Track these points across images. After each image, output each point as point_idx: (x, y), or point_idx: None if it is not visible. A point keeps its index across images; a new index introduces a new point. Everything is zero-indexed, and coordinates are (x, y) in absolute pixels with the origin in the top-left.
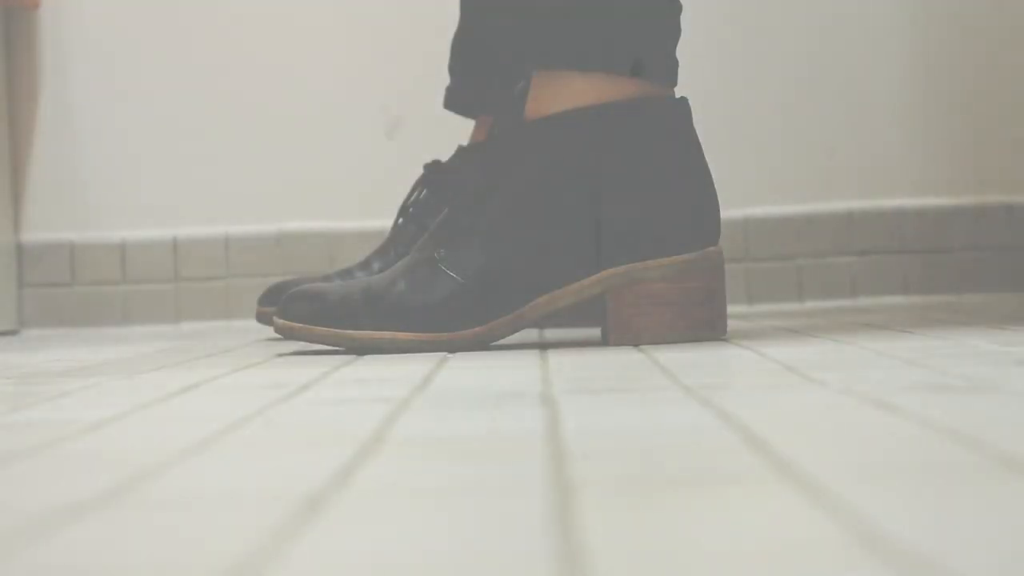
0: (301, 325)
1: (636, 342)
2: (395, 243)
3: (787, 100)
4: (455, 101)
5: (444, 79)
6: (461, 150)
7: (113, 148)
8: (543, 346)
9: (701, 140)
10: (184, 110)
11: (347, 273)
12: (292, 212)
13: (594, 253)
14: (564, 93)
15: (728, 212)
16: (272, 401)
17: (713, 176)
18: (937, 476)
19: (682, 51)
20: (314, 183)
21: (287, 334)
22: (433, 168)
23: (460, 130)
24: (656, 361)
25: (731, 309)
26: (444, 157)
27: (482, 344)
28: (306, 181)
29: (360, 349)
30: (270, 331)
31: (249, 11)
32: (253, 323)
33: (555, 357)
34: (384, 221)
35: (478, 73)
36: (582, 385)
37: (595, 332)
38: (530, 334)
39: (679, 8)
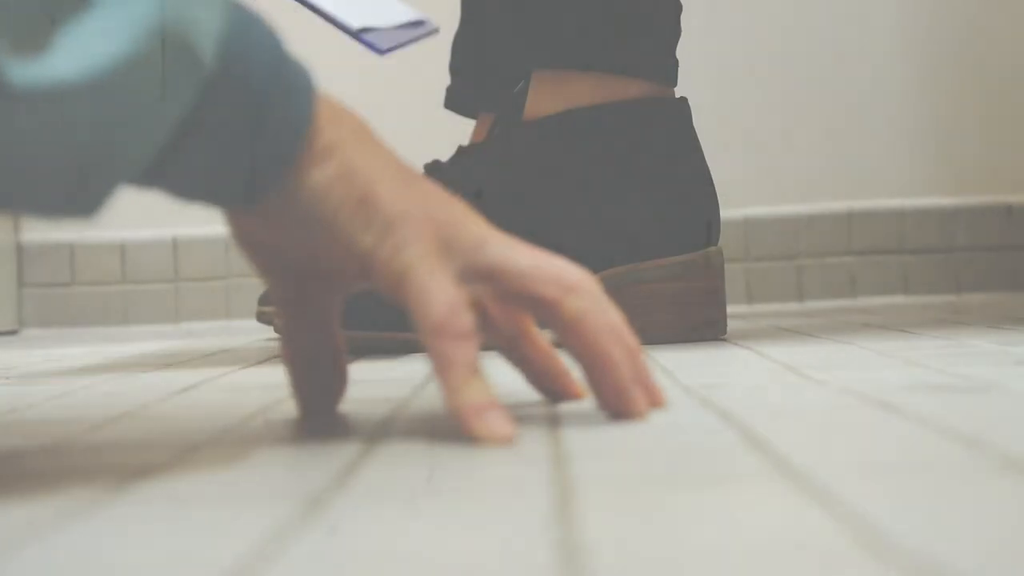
0: None
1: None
2: None
3: (787, 100)
4: (455, 101)
5: (444, 79)
6: (461, 150)
7: None
8: None
9: (701, 140)
10: None
11: None
12: None
13: (594, 253)
14: (564, 93)
15: (728, 212)
16: (272, 401)
17: (713, 176)
18: (937, 476)
19: (682, 51)
20: None
21: None
22: (433, 168)
23: (460, 130)
24: (656, 361)
25: (731, 309)
26: (444, 157)
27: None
28: None
29: (360, 349)
30: (270, 331)
31: None
32: (253, 323)
33: None
34: None
35: (478, 73)
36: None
37: None
38: None
39: (679, 8)
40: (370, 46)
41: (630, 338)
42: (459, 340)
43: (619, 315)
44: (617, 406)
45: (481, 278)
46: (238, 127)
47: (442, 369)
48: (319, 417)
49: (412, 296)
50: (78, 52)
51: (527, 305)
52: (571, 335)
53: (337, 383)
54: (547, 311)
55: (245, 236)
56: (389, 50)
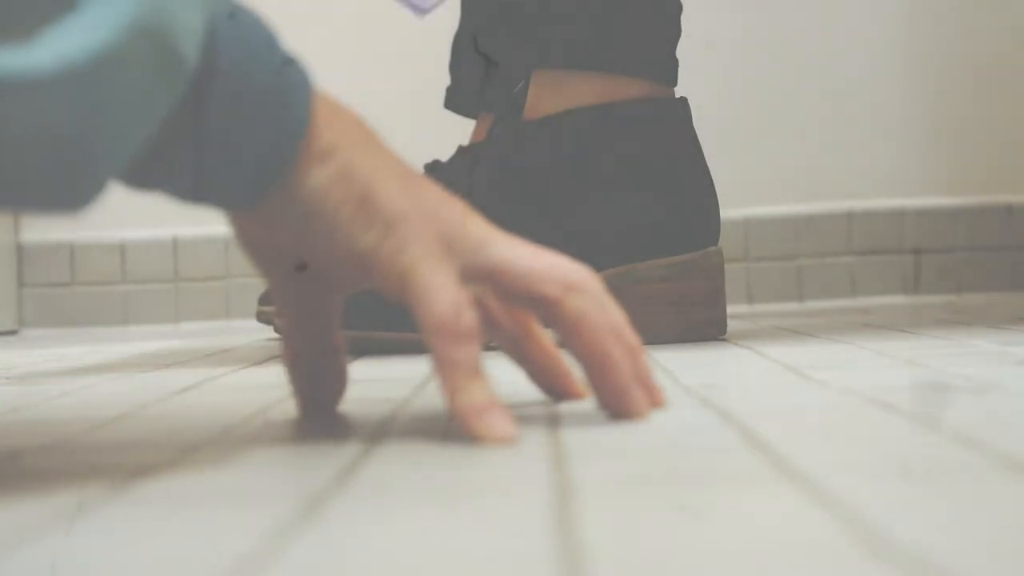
0: None
1: None
2: None
3: (787, 100)
4: (455, 101)
5: (444, 79)
6: (461, 150)
7: None
8: None
9: (701, 140)
10: None
11: None
12: None
13: (594, 253)
14: (564, 93)
15: (728, 212)
16: (272, 401)
17: (713, 176)
18: (937, 476)
19: (682, 51)
20: None
21: None
22: (433, 168)
23: (460, 130)
24: (656, 361)
25: (731, 309)
26: (444, 157)
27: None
28: None
29: (360, 349)
30: (270, 331)
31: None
32: (253, 323)
33: None
34: None
35: (478, 73)
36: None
37: None
38: None
39: (679, 8)
40: (413, 7)
41: (631, 337)
42: (461, 340)
43: (620, 314)
44: (617, 406)
45: (482, 278)
46: (236, 128)
47: (443, 369)
48: (319, 417)
49: (414, 296)
50: (55, 45)
51: (528, 304)
52: (572, 334)
53: (337, 383)
54: (548, 310)
55: (247, 236)
56: (427, 10)
